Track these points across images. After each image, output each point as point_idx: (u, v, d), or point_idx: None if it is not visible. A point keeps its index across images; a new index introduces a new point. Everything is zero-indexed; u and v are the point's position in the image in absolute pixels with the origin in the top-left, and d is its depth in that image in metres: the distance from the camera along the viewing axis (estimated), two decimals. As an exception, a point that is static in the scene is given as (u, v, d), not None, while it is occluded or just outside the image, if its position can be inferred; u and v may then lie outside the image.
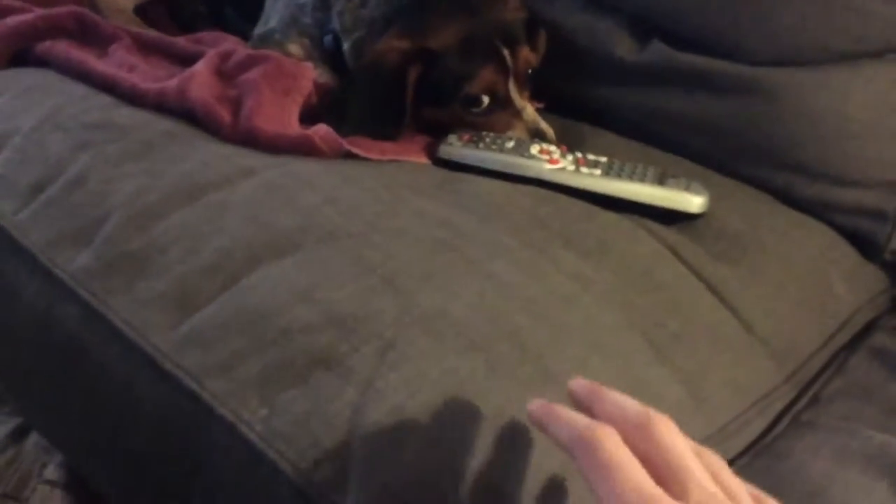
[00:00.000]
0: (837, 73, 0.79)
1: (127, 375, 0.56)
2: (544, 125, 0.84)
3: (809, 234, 0.78)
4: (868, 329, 0.75)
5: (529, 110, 0.85)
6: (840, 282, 0.74)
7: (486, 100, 0.83)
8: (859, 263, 0.79)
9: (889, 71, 0.78)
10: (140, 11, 1.09)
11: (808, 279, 0.73)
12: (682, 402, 0.56)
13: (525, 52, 0.84)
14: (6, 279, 0.65)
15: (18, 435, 0.72)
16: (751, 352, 0.65)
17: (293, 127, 0.76)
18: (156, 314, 0.57)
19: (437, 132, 0.82)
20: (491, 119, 0.83)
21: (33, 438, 0.71)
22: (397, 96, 0.80)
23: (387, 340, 0.52)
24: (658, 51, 0.85)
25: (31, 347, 0.65)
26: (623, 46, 0.87)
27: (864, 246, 0.80)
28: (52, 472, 0.67)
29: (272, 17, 0.99)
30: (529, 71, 0.85)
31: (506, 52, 0.82)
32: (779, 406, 0.62)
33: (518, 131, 0.83)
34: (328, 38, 0.92)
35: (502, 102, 0.83)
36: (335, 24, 0.91)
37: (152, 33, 0.93)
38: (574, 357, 0.54)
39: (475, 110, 0.83)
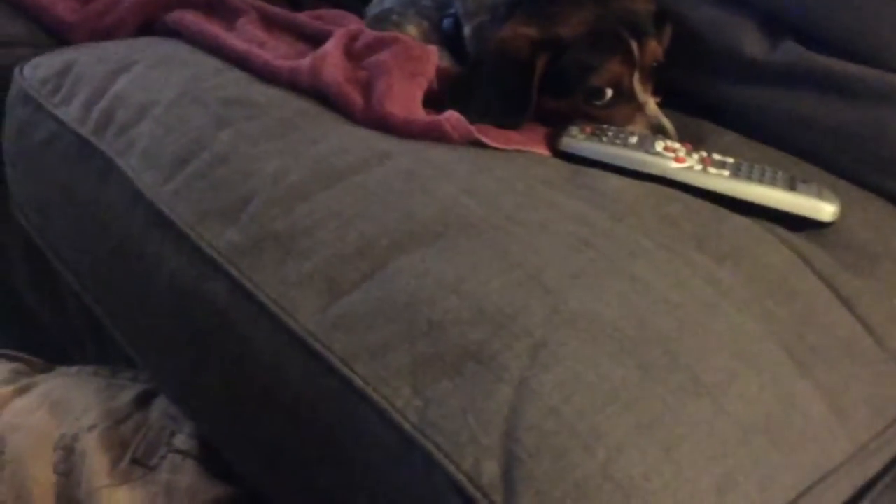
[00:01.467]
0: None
1: (273, 354, 0.57)
2: (666, 121, 0.82)
3: (941, 250, 0.76)
4: None
5: (652, 105, 0.83)
6: (973, 300, 0.72)
7: (609, 92, 0.81)
8: None
9: None
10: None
11: (940, 296, 0.71)
12: (826, 419, 0.55)
13: (653, 45, 0.83)
14: (149, 249, 0.67)
15: (142, 401, 0.74)
16: (885, 367, 0.63)
17: (419, 111, 0.76)
18: (304, 295, 0.58)
19: (551, 122, 0.82)
20: (612, 112, 0.82)
21: (159, 405, 0.72)
22: (524, 85, 0.80)
23: (538, 339, 0.52)
24: (791, 51, 0.83)
25: (173, 319, 0.66)
26: (753, 44, 0.85)
27: None
28: (182, 441, 0.68)
29: (388, -4, 0.98)
30: (654, 64, 0.84)
31: (633, 45, 0.81)
32: (917, 426, 0.61)
33: (639, 126, 0.82)
34: (448, 22, 0.92)
35: (626, 96, 0.82)
36: (457, 7, 0.90)
37: (275, 8, 0.93)
38: (723, 367, 0.54)
39: (597, 102, 0.82)
